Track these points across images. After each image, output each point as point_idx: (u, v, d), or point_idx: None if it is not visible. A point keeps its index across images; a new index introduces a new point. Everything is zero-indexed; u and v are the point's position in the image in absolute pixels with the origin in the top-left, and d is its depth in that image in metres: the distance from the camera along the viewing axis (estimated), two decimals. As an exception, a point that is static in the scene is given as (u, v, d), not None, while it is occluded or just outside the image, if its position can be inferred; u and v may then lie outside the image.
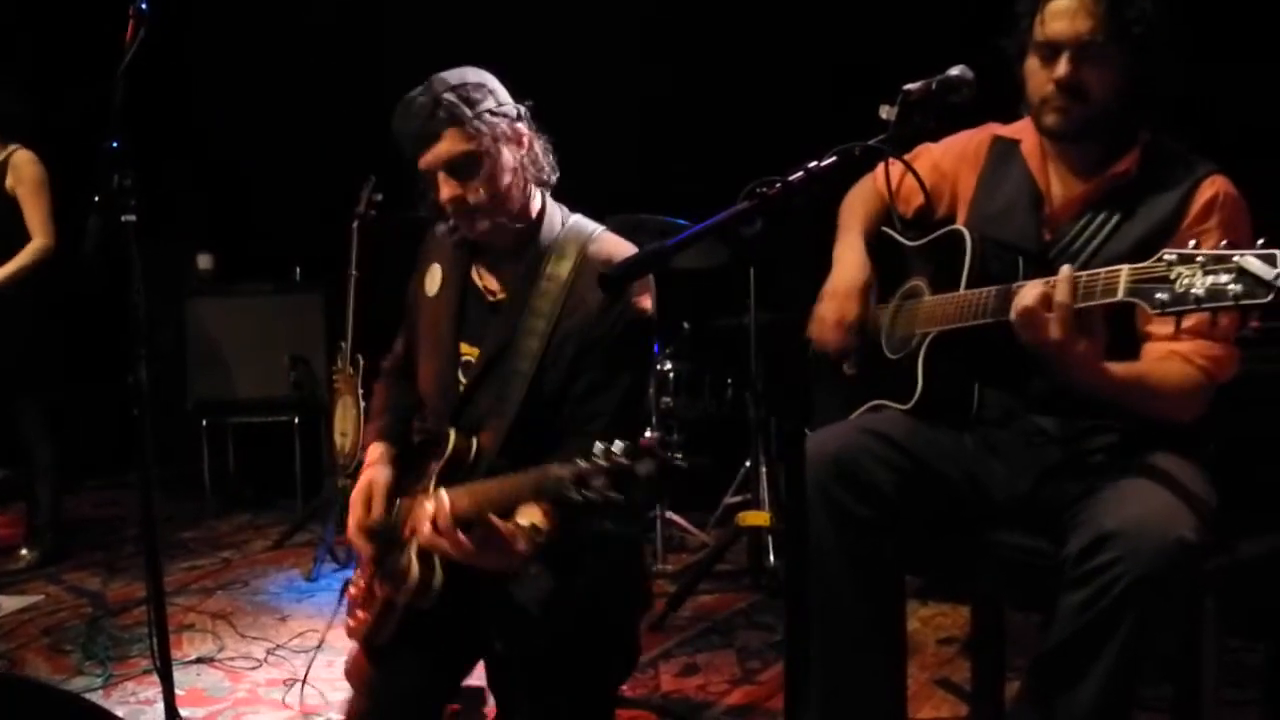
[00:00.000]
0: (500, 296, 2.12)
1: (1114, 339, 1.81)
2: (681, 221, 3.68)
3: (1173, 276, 1.53)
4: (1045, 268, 1.81)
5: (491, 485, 1.86)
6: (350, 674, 2.18)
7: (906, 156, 2.15)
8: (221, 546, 4.47)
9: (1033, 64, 1.97)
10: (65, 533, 4.32)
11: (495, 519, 1.84)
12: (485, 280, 2.16)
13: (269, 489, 5.17)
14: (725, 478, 4.33)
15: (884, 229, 2.31)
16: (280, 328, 5.00)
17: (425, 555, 1.95)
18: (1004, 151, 2.14)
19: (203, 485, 5.06)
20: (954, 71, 1.89)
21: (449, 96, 1.97)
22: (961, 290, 1.97)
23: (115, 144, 2.24)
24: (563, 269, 2.06)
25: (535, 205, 2.11)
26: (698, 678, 3.00)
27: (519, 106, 2.07)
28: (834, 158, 1.64)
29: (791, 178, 1.58)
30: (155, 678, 2.38)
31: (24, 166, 4.07)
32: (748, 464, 4.12)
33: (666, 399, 4.11)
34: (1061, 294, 1.70)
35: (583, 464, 1.66)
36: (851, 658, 1.99)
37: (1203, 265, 1.50)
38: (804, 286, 2.17)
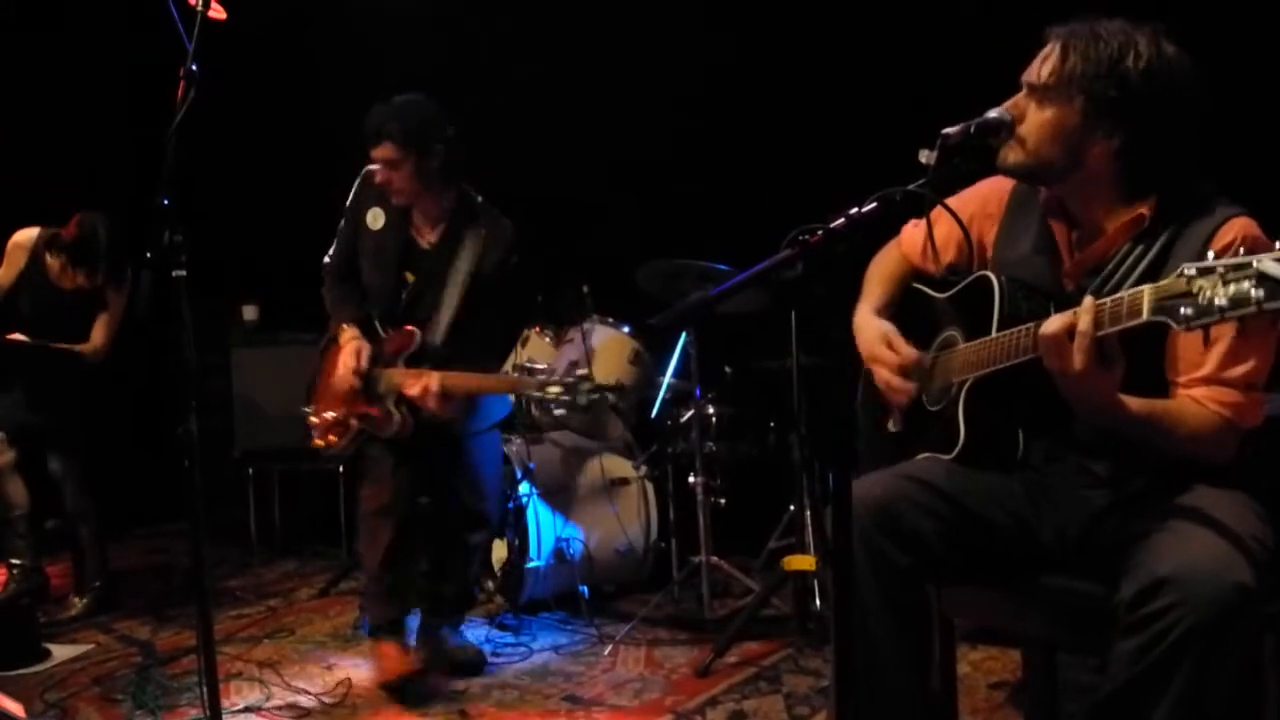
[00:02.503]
0: (433, 243, 3.34)
1: (1143, 380, 1.80)
2: (722, 266, 3.69)
3: (1195, 290, 1.49)
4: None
5: (474, 378, 3.18)
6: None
7: (930, 216, 2.15)
8: (268, 595, 4.50)
9: None
10: (114, 581, 4.36)
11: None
12: (422, 233, 3.37)
13: (314, 537, 5.20)
14: (770, 522, 4.31)
15: (915, 285, 2.30)
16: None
17: (402, 405, 3.20)
18: (1024, 196, 2.13)
19: (249, 533, 5.10)
20: (992, 114, 1.91)
21: (395, 124, 3.14)
22: (993, 334, 1.96)
23: (166, 201, 2.29)
24: (478, 235, 3.30)
25: (448, 194, 3.31)
26: (745, 725, 2.97)
27: (440, 131, 3.20)
28: (875, 203, 1.65)
29: (833, 224, 1.59)
30: (205, 727, 2.40)
31: None
32: (791, 508, 4.09)
33: (710, 443, 4.08)
34: (1084, 323, 1.69)
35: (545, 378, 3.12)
36: (897, 705, 1.97)
37: (1223, 275, 1.46)
38: (845, 332, 2.18)
